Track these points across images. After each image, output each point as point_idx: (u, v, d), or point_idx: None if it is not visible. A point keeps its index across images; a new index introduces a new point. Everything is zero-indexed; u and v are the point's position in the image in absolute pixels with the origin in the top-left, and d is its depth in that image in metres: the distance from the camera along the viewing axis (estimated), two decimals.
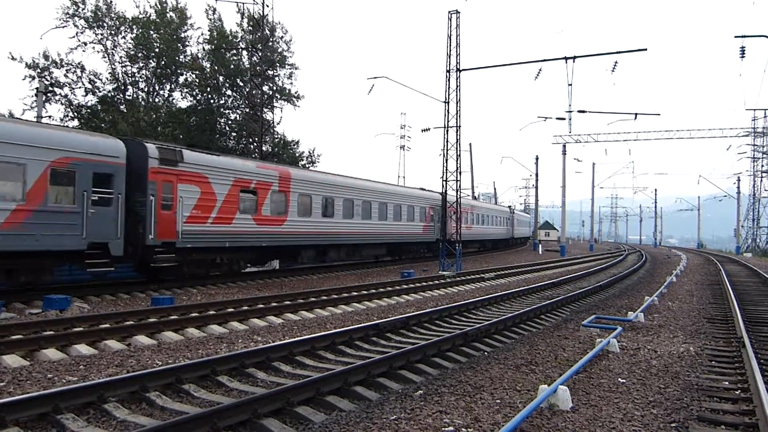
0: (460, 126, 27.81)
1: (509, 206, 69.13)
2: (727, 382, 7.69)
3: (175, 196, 16.81)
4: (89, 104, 34.24)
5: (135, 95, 36.26)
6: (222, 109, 38.93)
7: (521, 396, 6.88)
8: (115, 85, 35.14)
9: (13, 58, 31.45)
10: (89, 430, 5.48)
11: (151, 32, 35.20)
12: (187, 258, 17.69)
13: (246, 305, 13.72)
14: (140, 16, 35.22)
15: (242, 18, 37.85)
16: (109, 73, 34.87)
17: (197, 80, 37.66)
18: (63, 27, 32.91)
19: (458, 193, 28.81)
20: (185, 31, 37.18)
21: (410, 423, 5.83)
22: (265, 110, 34.63)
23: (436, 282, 20.88)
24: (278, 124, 45.19)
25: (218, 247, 18.80)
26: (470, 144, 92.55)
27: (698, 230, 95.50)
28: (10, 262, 13.34)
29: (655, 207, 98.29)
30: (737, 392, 7.19)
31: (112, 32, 34.45)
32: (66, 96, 33.41)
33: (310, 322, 12.22)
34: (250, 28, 36.88)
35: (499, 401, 6.66)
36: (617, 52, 25.32)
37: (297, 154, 40.57)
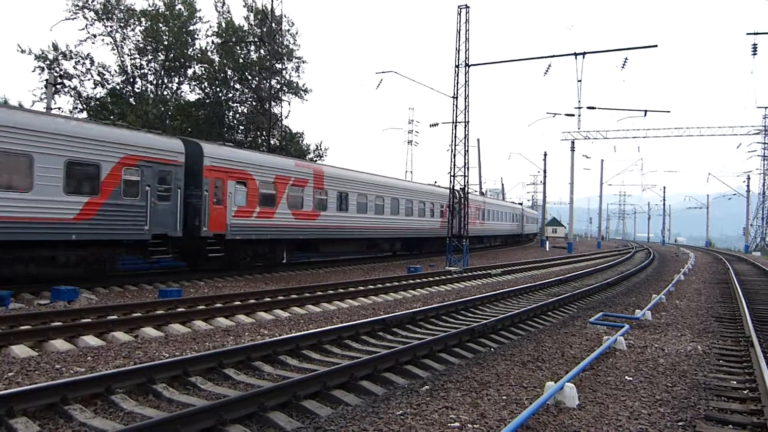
0: (468, 121, 27.74)
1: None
2: (735, 382, 7.64)
3: None
4: (98, 96, 34.43)
5: (144, 88, 36.40)
6: (230, 103, 39.00)
7: (527, 393, 6.85)
8: (124, 77, 35.31)
9: (22, 51, 31.63)
10: (96, 421, 5.51)
11: (160, 25, 35.28)
12: None
13: (253, 298, 13.77)
14: (149, 9, 35.31)
15: (249, 11, 37.92)
16: (118, 65, 35.07)
17: (206, 73, 37.74)
18: (72, 19, 33.08)
19: (465, 187, 28.72)
20: (194, 24, 37.28)
21: (416, 418, 5.82)
22: (273, 104, 34.65)
23: (443, 277, 20.86)
24: (286, 117, 45.20)
25: None
26: (478, 140, 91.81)
27: (707, 229, 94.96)
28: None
29: (664, 205, 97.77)
30: (745, 392, 7.14)
31: (122, 24, 34.59)
32: (75, 88, 33.61)
33: (316, 316, 12.24)
34: (257, 21, 36.90)
35: (505, 397, 6.64)
36: (627, 49, 25.17)
37: (304, 147, 40.55)
